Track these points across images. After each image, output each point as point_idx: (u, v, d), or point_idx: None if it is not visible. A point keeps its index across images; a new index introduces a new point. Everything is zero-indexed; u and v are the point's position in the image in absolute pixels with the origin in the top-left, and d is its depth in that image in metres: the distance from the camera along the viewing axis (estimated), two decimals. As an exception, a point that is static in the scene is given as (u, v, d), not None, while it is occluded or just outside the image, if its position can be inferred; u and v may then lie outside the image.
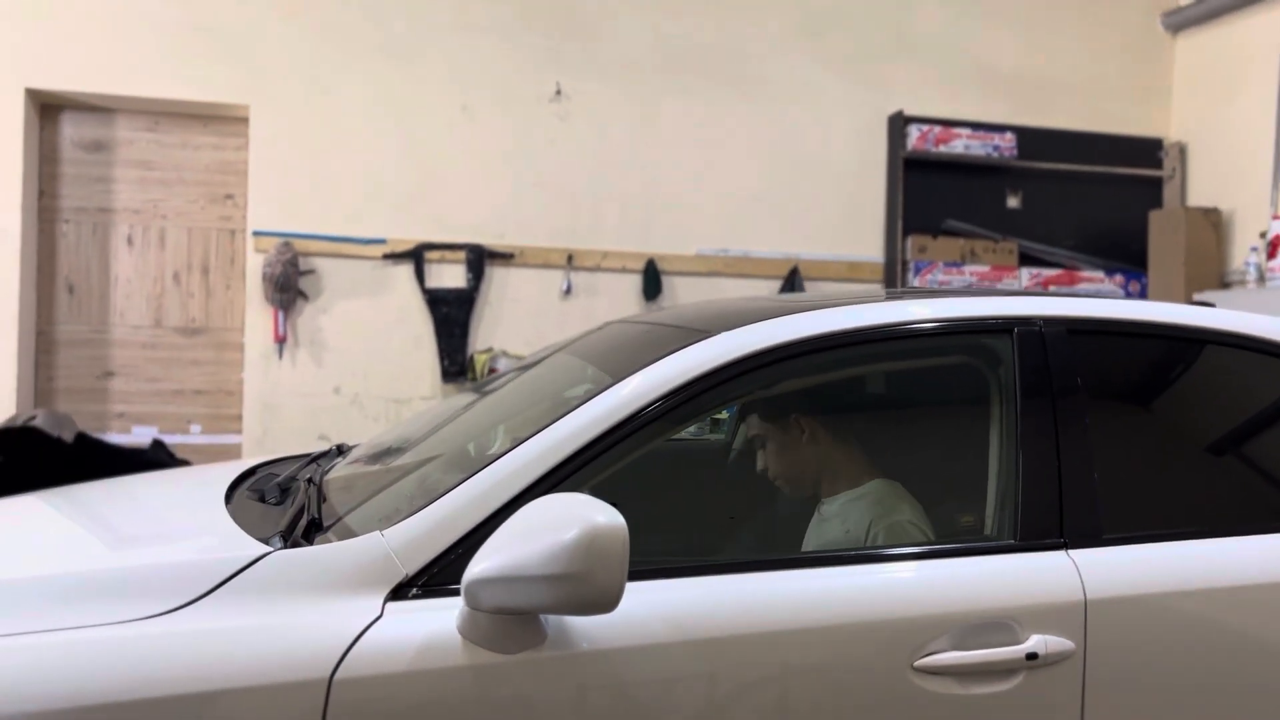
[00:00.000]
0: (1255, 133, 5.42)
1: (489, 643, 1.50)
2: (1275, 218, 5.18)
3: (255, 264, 5.08)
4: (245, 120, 5.11)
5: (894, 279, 5.71)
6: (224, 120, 5.17)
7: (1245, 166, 5.49)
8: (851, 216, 5.79)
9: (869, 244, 5.80)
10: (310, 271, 5.12)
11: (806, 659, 1.64)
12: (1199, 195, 5.84)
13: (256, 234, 5.08)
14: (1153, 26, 6.06)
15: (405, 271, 5.24)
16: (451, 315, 5.25)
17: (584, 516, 1.42)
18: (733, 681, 1.61)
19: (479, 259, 5.26)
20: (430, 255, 5.24)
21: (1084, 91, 5.99)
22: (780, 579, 1.70)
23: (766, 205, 5.65)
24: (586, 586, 1.40)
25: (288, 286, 5.01)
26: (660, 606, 1.60)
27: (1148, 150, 6.00)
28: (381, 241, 5.20)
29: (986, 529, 1.87)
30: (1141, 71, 6.07)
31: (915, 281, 5.63)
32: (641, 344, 2.06)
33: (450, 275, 5.27)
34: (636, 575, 1.56)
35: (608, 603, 1.43)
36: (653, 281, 5.44)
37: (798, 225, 5.69)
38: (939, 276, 5.64)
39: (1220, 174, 5.71)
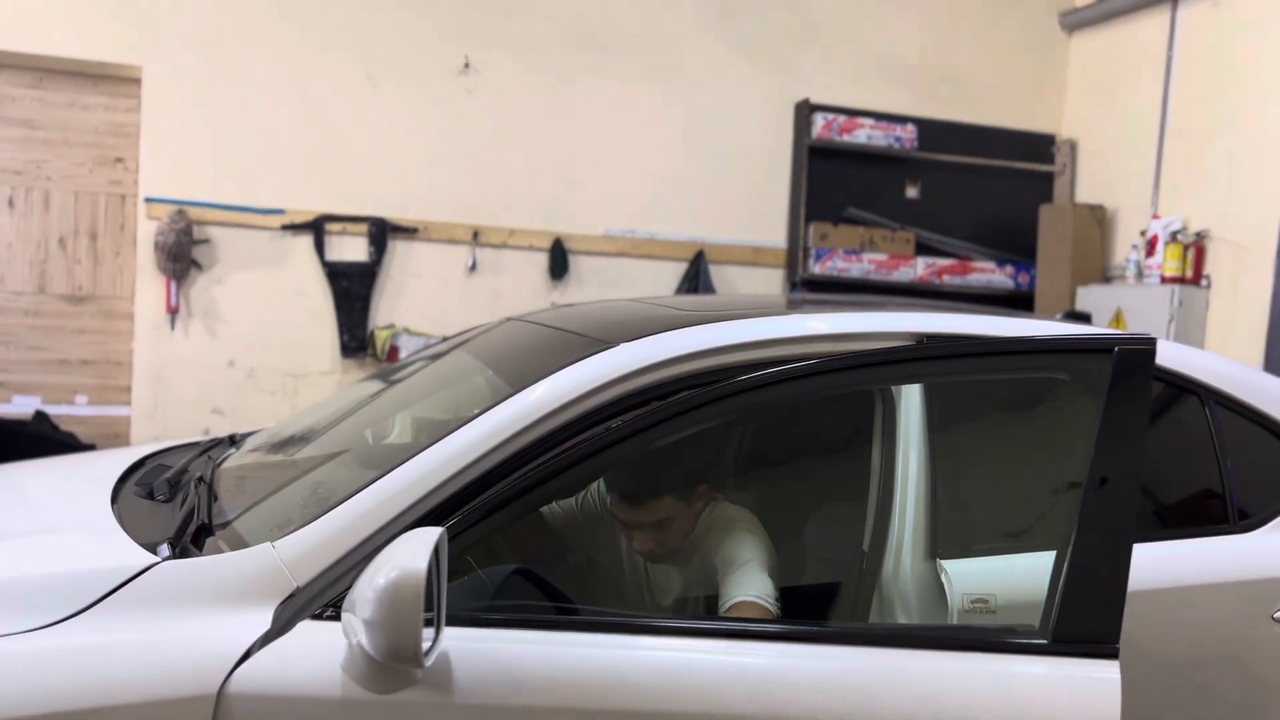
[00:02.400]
0: (1141, 133, 5.66)
1: (361, 678, 1.43)
2: (1155, 217, 5.44)
3: (147, 231, 4.91)
4: (137, 81, 4.91)
5: (795, 265, 5.81)
6: (115, 80, 4.96)
7: (1131, 166, 5.73)
8: (757, 202, 5.86)
9: (773, 230, 5.89)
10: (205, 241, 4.97)
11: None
12: (1087, 192, 6.08)
13: (148, 200, 4.90)
14: (1051, 25, 6.25)
15: (304, 243, 5.12)
16: (352, 289, 5.16)
17: (394, 561, 1.34)
18: None
19: (381, 232, 5.18)
20: (331, 227, 5.14)
21: (984, 86, 6.16)
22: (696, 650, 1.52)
23: (675, 188, 5.69)
24: (385, 636, 1.33)
25: (181, 256, 4.86)
26: (561, 666, 1.47)
27: (1041, 146, 6.21)
28: (280, 212, 5.08)
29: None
30: (1038, 69, 6.26)
31: (816, 268, 5.74)
32: (539, 350, 2.08)
33: (351, 248, 5.18)
34: (540, 625, 1.53)
35: (407, 656, 1.34)
36: (560, 261, 5.43)
37: (705, 209, 5.74)
38: (838, 264, 5.77)
39: (1107, 172, 5.95)
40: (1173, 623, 1.95)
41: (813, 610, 1.95)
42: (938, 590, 1.72)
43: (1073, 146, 6.18)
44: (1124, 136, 5.82)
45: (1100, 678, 1.39)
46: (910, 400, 1.98)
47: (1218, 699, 2.04)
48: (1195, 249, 5.21)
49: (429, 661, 1.37)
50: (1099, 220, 5.85)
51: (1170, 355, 2.18)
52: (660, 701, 1.42)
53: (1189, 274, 5.20)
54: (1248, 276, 4.99)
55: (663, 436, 1.65)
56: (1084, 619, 1.42)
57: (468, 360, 2.36)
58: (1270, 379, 2.40)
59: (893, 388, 2.01)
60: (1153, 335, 1.52)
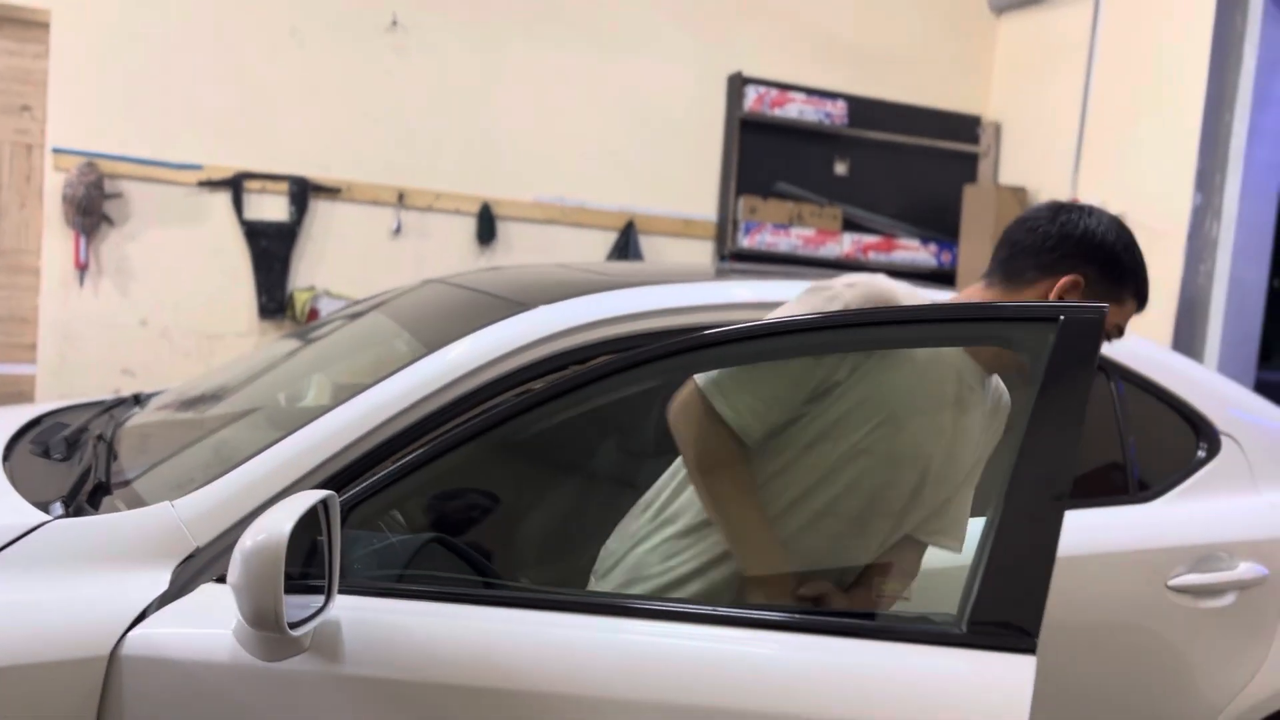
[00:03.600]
0: (1064, 117, 5.76)
1: (251, 645, 1.37)
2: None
3: (55, 183, 4.71)
4: (46, 26, 4.69)
5: (725, 238, 5.82)
6: (20, 24, 4.73)
7: (1053, 149, 5.84)
8: (688, 174, 5.85)
9: (703, 202, 5.89)
10: (117, 195, 4.79)
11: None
12: (1010, 173, 6.19)
13: (56, 151, 4.70)
14: (980, 7, 6.32)
15: (222, 200, 4.97)
16: (271, 249, 5.03)
17: (262, 523, 1.28)
18: None
19: (303, 192, 5.05)
20: (250, 185, 4.99)
21: (913, 65, 6.21)
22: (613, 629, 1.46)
23: (606, 157, 5.64)
24: (248, 601, 1.26)
25: (91, 210, 4.67)
26: (466, 641, 1.40)
27: (967, 127, 6.30)
28: (197, 167, 4.91)
29: None
30: (967, 50, 6.34)
31: (745, 242, 5.76)
32: (457, 312, 2.05)
33: (271, 207, 5.04)
34: (449, 598, 1.47)
35: (269, 623, 1.27)
36: (487, 226, 5.36)
37: (636, 179, 5.71)
38: (767, 238, 5.79)
39: (1030, 154, 6.06)
40: (1072, 590, 2.00)
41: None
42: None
43: (997, 128, 6.27)
44: (1047, 119, 5.92)
45: (1013, 675, 1.32)
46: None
47: (1115, 665, 2.10)
48: (1111, 232, 5.33)
49: (304, 630, 1.33)
50: (1020, 202, 5.96)
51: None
52: (558, 683, 1.39)
53: (1104, 256, 5.32)
54: (1161, 259, 5.12)
55: (581, 402, 1.61)
56: (1003, 610, 1.34)
57: (384, 322, 2.31)
58: (1175, 356, 2.47)
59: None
60: (1103, 305, 1.44)
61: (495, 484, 2.04)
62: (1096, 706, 2.10)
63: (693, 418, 1.60)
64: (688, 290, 2.01)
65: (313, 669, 1.38)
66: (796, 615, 1.49)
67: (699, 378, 1.59)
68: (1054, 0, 5.92)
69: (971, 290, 1.73)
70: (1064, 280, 1.61)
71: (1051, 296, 1.61)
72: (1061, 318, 1.41)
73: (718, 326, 1.57)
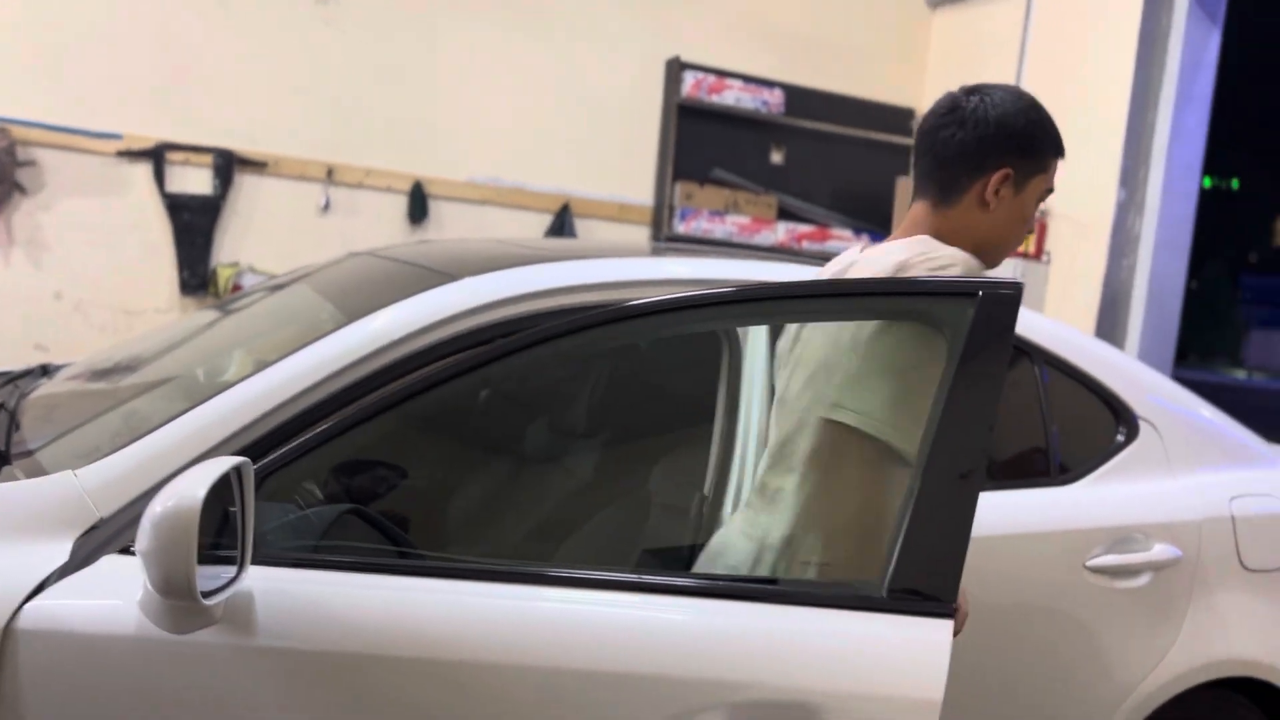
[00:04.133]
0: (994, 113, 5.85)
1: (157, 617, 1.32)
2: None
3: (-37, 149, 4.51)
4: (-45, -17, 4.49)
5: (661, 224, 5.80)
6: (-72, -20, 4.52)
7: (983, 144, 5.92)
8: (625, 158, 5.82)
9: (640, 187, 5.86)
10: (31, 163, 4.60)
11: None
12: (942, 166, 6.26)
13: (-35, 115, 4.51)
14: (916, 1, 6.38)
15: (143, 172, 4.81)
16: (194, 223, 4.88)
17: (173, 488, 1.24)
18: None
19: (228, 165, 4.91)
20: (173, 156, 4.83)
21: (849, 56, 6.26)
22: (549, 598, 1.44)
23: (543, 138, 5.58)
24: (158, 568, 1.22)
25: (2, 178, 4.49)
26: (380, 611, 1.38)
27: (901, 119, 6.36)
28: (117, 137, 4.74)
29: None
30: (902, 42, 6.40)
31: (681, 228, 5.75)
32: (382, 283, 1.99)
33: (195, 180, 4.89)
34: (366, 568, 1.43)
35: (181, 591, 1.23)
36: (419, 205, 5.27)
37: (572, 162, 5.66)
38: (703, 224, 5.79)
39: (961, 148, 6.14)
40: (994, 569, 2.03)
41: (651, 560, 1.94)
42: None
43: (931, 121, 6.34)
44: (979, 114, 6.00)
45: (932, 638, 1.36)
46: (757, 346, 1.99)
47: (1034, 644, 2.14)
48: (1039, 225, 5.44)
49: (217, 600, 1.29)
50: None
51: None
52: (476, 652, 1.37)
53: (1032, 249, 5.43)
54: (1085, 253, 5.25)
55: (501, 374, 1.58)
56: (921, 576, 1.37)
57: (307, 294, 2.25)
58: (1097, 343, 2.52)
59: (740, 334, 2.02)
60: (1019, 280, 1.47)
61: (414, 456, 2.00)
62: (1014, 684, 2.13)
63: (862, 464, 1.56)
64: (620, 265, 1.98)
65: (224, 641, 1.34)
66: (721, 581, 1.49)
67: (852, 420, 1.54)
68: (988, -4, 6.01)
69: (915, 213, 1.73)
70: (995, 176, 1.65)
71: (988, 193, 1.64)
72: (980, 293, 1.43)
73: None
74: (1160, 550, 2.22)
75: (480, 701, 1.36)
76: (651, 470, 2.08)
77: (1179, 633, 2.24)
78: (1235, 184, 41.96)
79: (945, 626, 1.35)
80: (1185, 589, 2.25)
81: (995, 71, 5.86)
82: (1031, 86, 5.57)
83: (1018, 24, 5.73)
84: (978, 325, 1.41)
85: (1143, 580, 2.20)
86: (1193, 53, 5.06)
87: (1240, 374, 31.36)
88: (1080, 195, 5.28)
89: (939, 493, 1.37)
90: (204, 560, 1.26)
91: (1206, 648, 2.26)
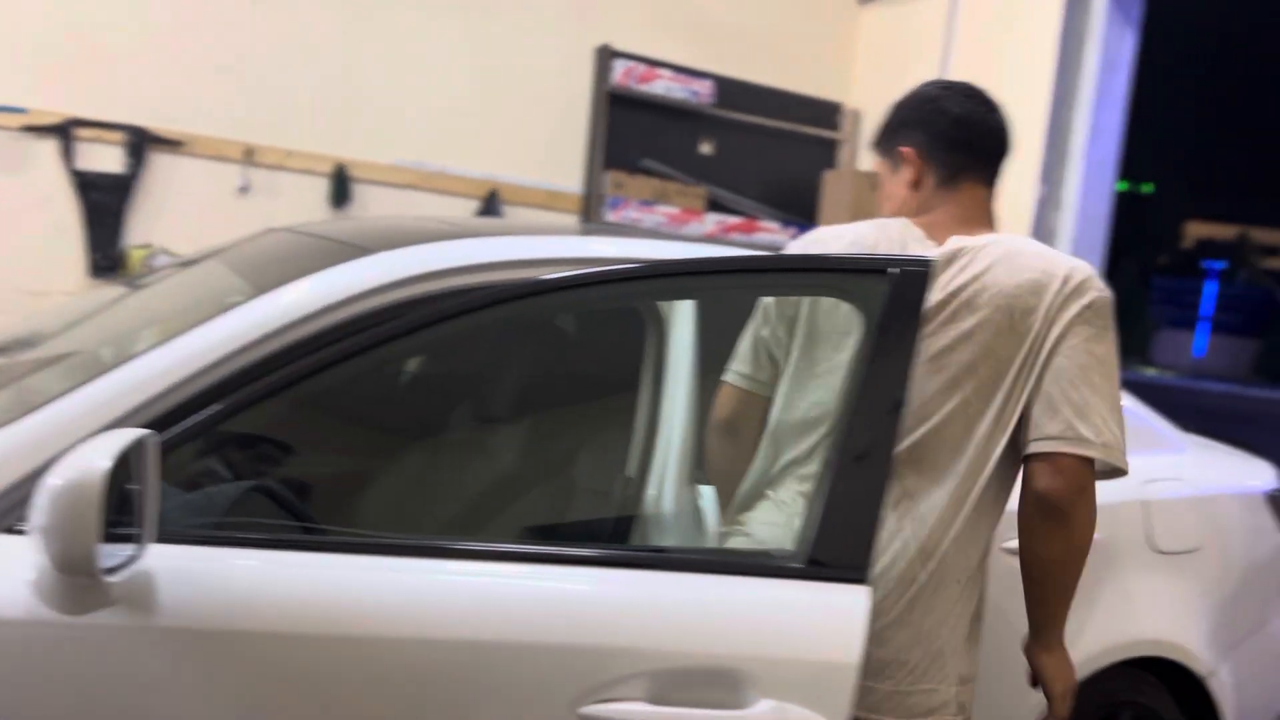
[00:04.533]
0: (919, 109, 5.93)
1: (50, 597, 1.26)
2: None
3: None
4: None
5: (590, 212, 5.77)
6: None
7: (908, 139, 6.00)
8: (555, 145, 5.77)
9: (569, 175, 5.82)
10: (-73, 136, 4.40)
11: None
12: (869, 160, 6.34)
13: None
14: (844, -4, 6.44)
15: (50, 148, 4.61)
16: (104, 203, 4.70)
17: (73, 460, 1.19)
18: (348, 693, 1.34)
19: (141, 143, 4.74)
20: (82, 133, 4.64)
21: (779, 50, 6.29)
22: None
23: (470, 123, 5.50)
24: (57, 543, 1.17)
25: (-104, 150, 4.27)
26: (289, 586, 1.34)
27: (829, 113, 6.42)
28: (21, 111, 4.54)
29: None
30: (831, 37, 6.45)
31: (610, 217, 5.72)
32: (297, 259, 1.93)
33: (105, 158, 4.71)
34: (272, 544, 1.39)
35: (80, 566, 1.18)
36: (341, 188, 5.15)
37: (501, 148, 5.59)
38: (632, 214, 5.77)
39: (887, 143, 6.21)
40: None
41: (577, 534, 1.92)
42: (698, 515, 1.72)
43: (858, 116, 6.42)
44: (904, 110, 6.08)
45: (850, 602, 1.38)
46: (681, 323, 1.97)
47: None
48: (961, 220, 5.52)
49: (118, 577, 1.23)
50: (875, 188, 6.10)
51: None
52: (380, 627, 1.33)
53: (954, 243, 5.51)
54: (1004, 248, 5.34)
55: (414, 349, 1.54)
56: (839, 545, 1.40)
57: (219, 269, 2.17)
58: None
59: (663, 312, 2.00)
60: (930, 257, 1.51)
61: (323, 433, 1.94)
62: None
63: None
64: (544, 242, 1.95)
65: (123, 622, 1.28)
66: (640, 552, 1.48)
67: (722, 376, 1.64)
68: (914, -7, 6.09)
69: (979, 199, 1.88)
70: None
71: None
72: (891, 270, 1.46)
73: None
74: (1075, 532, 2.25)
75: (391, 676, 1.32)
76: (570, 449, 2.06)
77: (1091, 614, 2.28)
78: (1148, 188, 43.40)
79: (863, 592, 1.37)
80: (1098, 571, 2.29)
81: (921, 68, 5.94)
82: (956, 83, 5.67)
83: (943, 22, 5.82)
84: (891, 301, 1.44)
85: (1058, 562, 2.23)
86: (1110, 53, 5.19)
87: (1151, 372, 32.47)
88: (1002, 191, 5.37)
89: (857, 463, 1.38)
90: (102, 539, 1.20)
91: (1118, 628, 2.31)
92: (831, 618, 1.36)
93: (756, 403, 1.74)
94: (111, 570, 1.22)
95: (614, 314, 2.04)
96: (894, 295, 1.43)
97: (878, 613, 1.50)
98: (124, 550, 1.26)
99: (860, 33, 6.50)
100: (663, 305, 1.98)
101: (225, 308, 1.66)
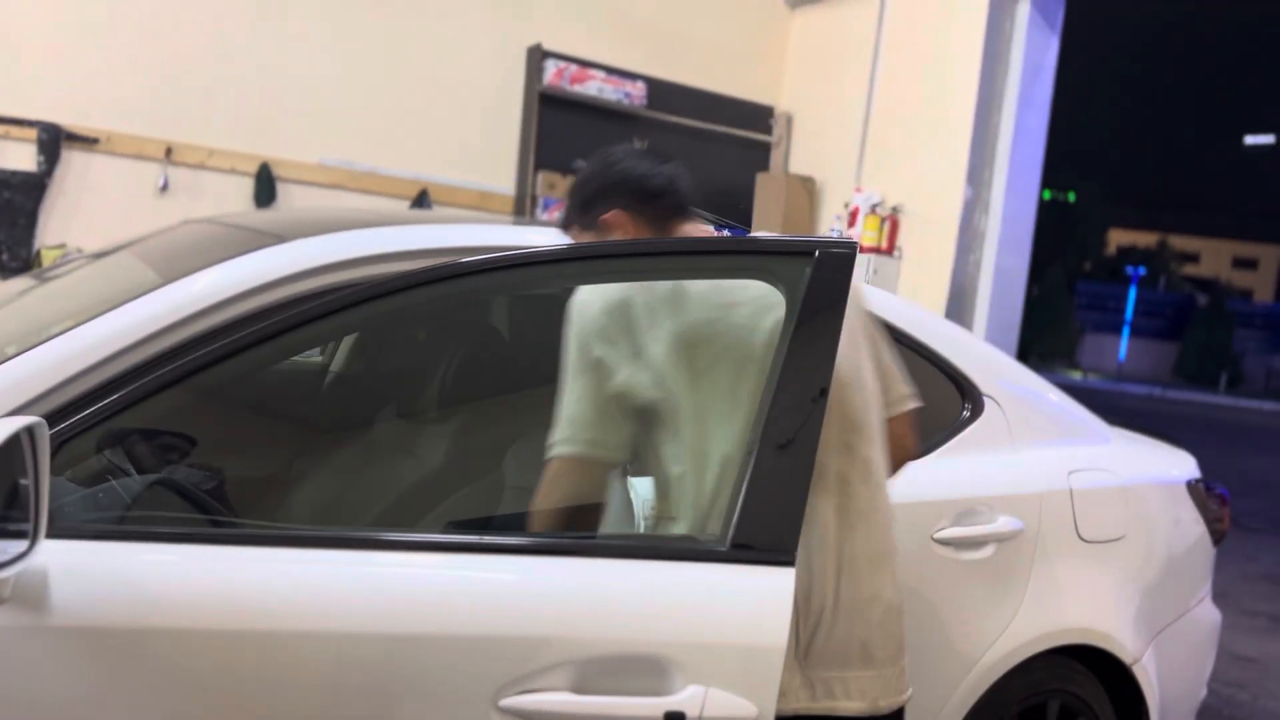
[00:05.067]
0: (850, 111, 6.00)
1: None
2: (858, 190, 5.79)
3: None
4: None
5: (523, 213, 5.72)
6: None
7: (839, 141, 6.07)
8: (486, 145, 5.71)
9: (501, 175, 5.76)
10: None
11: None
12: (800, 163, 6.39)
13: None
14: (776, 0, 6.48)
15: (-44, 145, 4.44)
16: (15, 202, 4.53)
17: None
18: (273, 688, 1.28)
19: (54, 140, 4.57)
20: (-8, 129, 4.48)
21: (711, 53, 6.31)
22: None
23: (399, 123, 5.42)
24: None
25: None
26: (202, 581, 1.28)
27: (761, 116, 6.45)
28: (-75, 105, 4.37)
29: None
30: (762, 41, 6.49)
31: (543, 217, 5.68)
32: (211, 249, 1.86)
33: (16, 155, 4.54)
34: (178, 538, 1.33)
35: None
36: (266, 188, 5.03)
37: (431, 148, 5.51)
38: (564, 214, 5.72)
39: (819, 145, 6.28)
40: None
41: (502, 524, 1.87)
42: (626, 503, 1.68)
43: (789, 119, 6.46)
44: (835, 113, 6.15)
45: (775, 584, 1.37)
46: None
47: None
48: (890, 222, 5.59)
49: (8, 573, 1.15)
50: (809, 191, 6.16)
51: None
52: (303, 621, 1.28)
53: (884, 245, 5.58)
54: (934, 249, 5.42)
55: (326, 336, 1.49)
56: (763, 528, 1.38)
57: (130, 260, 2.08)
58: (943, 322, 2.57)
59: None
60: (855, 240, 1.51)
61: (231, 424, 1.87)
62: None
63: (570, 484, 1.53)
64: (469, 230, 1.91)
65: (13, 623, 1.20)
66: (564, 540, 1.45)
67: (556, 451, 1.52)
68: (844, -2, 6.16)
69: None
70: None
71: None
72: (816, 253, 1.45)
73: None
74: (1004, 522, 2.27)
75: (305, 673, 1.27)
76: (487, 438, 2.02)
77: (1021, 603, 2.29)
78: (1071, 196, 44.62)
79: (788, 573, 1.35)
80: (1027, 560, 2.31)
81: (852, 73, 6.01)
82: (885, 86, 5.75)
83: (872, 26, 5.89)
84: (815, 284, 1.43)
85: (987, 552, 2.25)
86: (1034, 57, 5.29)
87: (1076, 375, 33.30)
88: (929, 193, 5.45)
89: (780, 445, 1.37)
90: None
91: (1046, 617, 2.33)
92: (756, 601, 1.33)
93: (607, 471, 1.60)
94: (1, 565, 1.15)
95: (532, 303, 2.01)
96: (819, 277, 1.42)
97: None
98: (13, 547, 1.19)
99: (791, 37, 6.55)
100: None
101: (130, 297, 1.59)
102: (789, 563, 1.36)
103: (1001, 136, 5.33)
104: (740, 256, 1.51)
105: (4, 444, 1.12)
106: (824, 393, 1.41)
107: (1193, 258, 56.04)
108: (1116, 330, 41.04)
